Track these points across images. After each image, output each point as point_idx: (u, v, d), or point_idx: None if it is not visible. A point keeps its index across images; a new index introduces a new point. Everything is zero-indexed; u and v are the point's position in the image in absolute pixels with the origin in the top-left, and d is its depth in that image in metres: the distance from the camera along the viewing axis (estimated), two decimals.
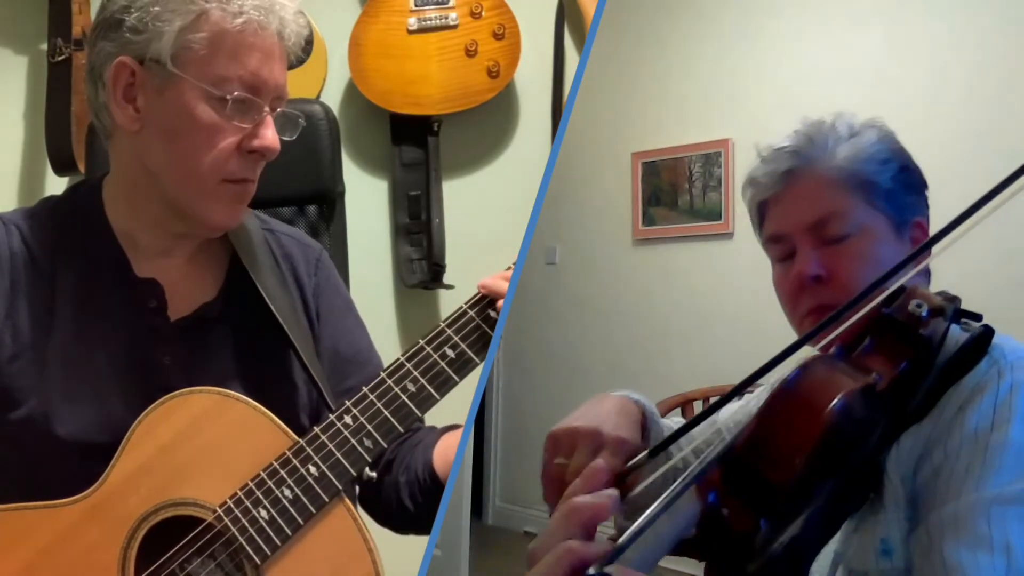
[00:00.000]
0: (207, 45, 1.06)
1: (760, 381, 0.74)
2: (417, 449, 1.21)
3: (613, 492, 0.66)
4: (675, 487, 0.65)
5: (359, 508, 1.18)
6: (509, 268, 1.11)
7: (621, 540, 0.60)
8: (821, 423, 0.65)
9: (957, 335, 0.85)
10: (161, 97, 1.09)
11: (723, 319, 2.75)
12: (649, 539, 0.60)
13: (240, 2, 1.06)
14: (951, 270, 0.98)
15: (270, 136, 1.11)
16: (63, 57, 2.27)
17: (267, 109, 1.11)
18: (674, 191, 2.98)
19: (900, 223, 0.96)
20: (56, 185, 2.40)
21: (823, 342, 0.79)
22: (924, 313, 0.80)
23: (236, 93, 1.07)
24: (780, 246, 0.98)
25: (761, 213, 1.01)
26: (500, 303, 1.10)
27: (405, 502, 1.20)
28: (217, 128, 1.08)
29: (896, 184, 0.95)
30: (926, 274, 0.96)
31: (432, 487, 1.19)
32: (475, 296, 1.12)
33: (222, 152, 1.09)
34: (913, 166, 0.99)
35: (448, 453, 1.18)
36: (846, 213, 0.93)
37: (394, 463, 1.23)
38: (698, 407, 2.18)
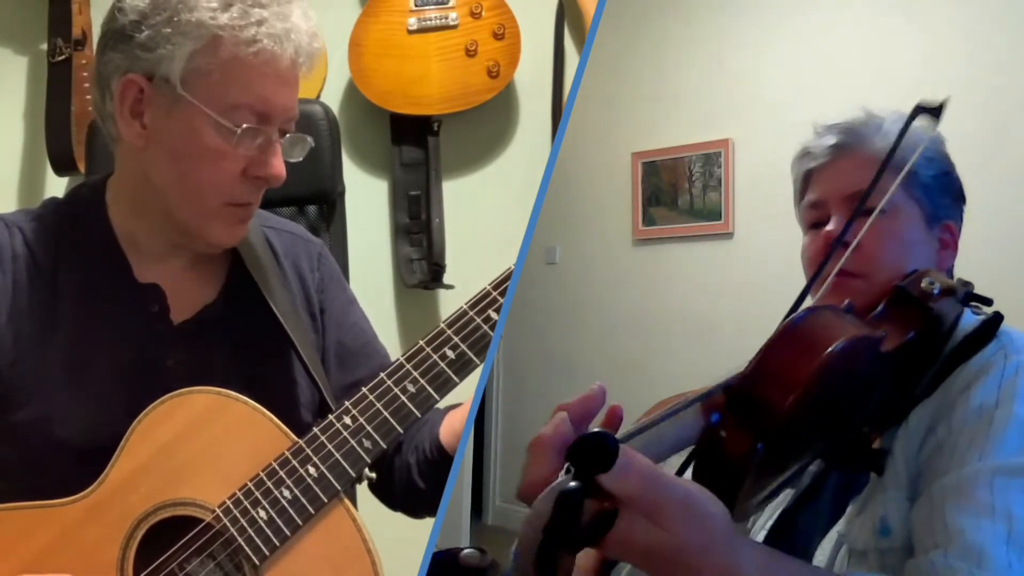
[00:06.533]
0: (218, 71, 1.05)
1: None
2: (424, 428, 1.22)
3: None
4: (681, 404, 0.66)
5: (357, 506, 1.18)
6: (509, 269, 1.11)
7: (624, 432, 0.62)
8: (822, 359, 0.68)
9: (967, 320, 0.88)
10: (169, 118, 1.08)
11: (723, 319, 2.75)
12: (650, 438, 0.63)
13: (255, 30, 1.05)
14: (967, 264, 1.00)
15: (276, 165, 1.10)
16: (63, 57, 2.27)
17: (275, 135, 1.10)
18: (674, 191, 2.98)
19: (932, 217, 0.99)
20: (56, 185, 2.40)
21: (820, 293, 0.83)
22: (935, 290, 0.84)
23: (245, 125, 1.06)
24: (816, 212, 1.02)
25: (805, 182, 1.05)
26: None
27: (416, 481, 1.21)
28: (223, 155, 1.07)
29: (935, 183, 0.99)
30: (948, 274, 0.99)
31: (441, 461, 1.19)
32: (475, 297, 1.12)
33: (227, 177, 1.09)
34: (955, 175, 1.02)
35: (455, 426, 1.19)
36: (884, 190, 0.94)
37: (403, 445, 1.24)
38: None
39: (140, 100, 1.08)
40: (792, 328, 0.70)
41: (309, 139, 1.16)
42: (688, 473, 0.68)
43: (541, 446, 0.66)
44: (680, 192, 2.97)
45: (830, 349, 0.68)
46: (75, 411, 1.08)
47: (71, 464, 1.07)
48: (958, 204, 1.02)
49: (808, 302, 0.87)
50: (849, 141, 1.00)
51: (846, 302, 0.84)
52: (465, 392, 1.15)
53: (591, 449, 0.56)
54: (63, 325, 1.11)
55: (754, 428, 0.65)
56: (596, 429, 0.58)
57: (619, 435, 0.61)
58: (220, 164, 1.08)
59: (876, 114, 1.02)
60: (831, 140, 1.01)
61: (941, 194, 0.99)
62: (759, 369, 0.68)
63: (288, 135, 1.12)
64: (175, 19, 1.04)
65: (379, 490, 1.27)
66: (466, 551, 0.95)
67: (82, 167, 2.22)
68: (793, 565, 0.72)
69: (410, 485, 1.22)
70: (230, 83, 1.06)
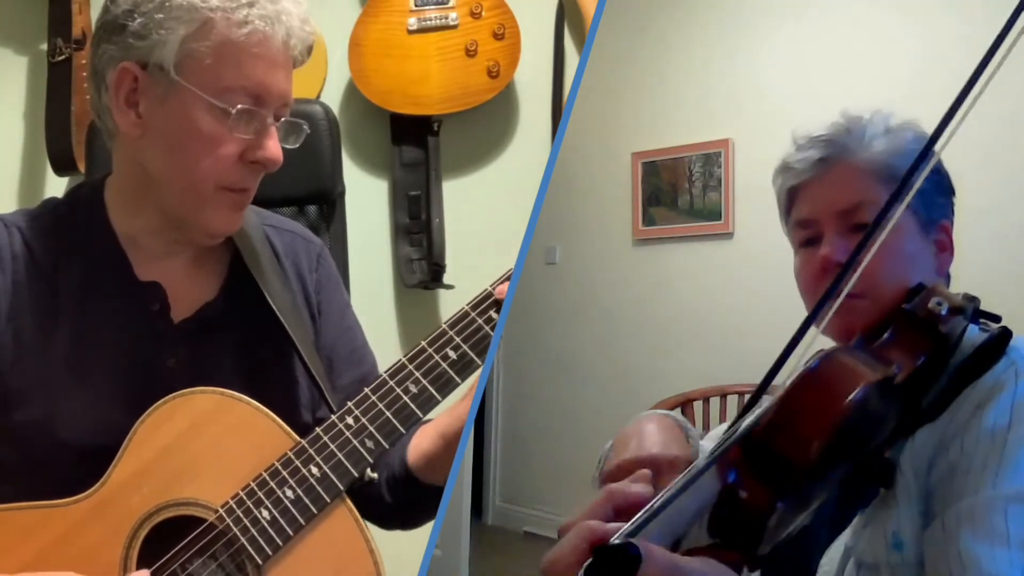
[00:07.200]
0: (211, 54, 1.06)
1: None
2: (397, 446, 1.22)
3: (647, 474, 0.68)
4: (697, 466, 0.65)
5: None
6: (510, 271, 1.12)
7: (642, 515, 0.61)
8: (841, 411, 0.67)
9: (975, 335, 0.86)
10: (164, 105, 1.08)
11: (723, 319, 2.75)
12: (671, 514, 0.62)
13: (246, 11, 1.06)
14: (969, 272, 0.99)
15: (272, 148, 1.10)
16: (63, 57, 2.27)
17: (271, 119, 1.10)
18: (674, 191, 2.98)
19: (927, 222, 0.96)
20: (56, 185, 2.41)
21: (824, 322, 0.80)
22: (943, 311, 0.82)
23: (240, 106, 1.07)
24: (806, 231, 0.99)
25: (791, 198, 1.02)
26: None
27: (384, 496, 1.21)
28: (219, 138, 1.08)
29: (927, 184, 0.94)
30: (946, 278, 0.98)
31: (406, 479, 1.20)
32: (477, 298, 1.13)
33: (223, 162, 1.09)
34: (943, 171, 0.99)
35: (421, 444, 1.20)
36: (876, 203, 0.92)
37: (378, 461, 1.24)
38: (698, 407, 2.18)
39: (135, 90, 1.09)
40: (807, 379, 0.69)
41: (305, 125, 1.16)
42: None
43: (584, 535, 0.64)
44: (680, 192, 2.97)
45: (849, 399, 0.67)
46: (76, 411, 1.08)
47: (73, 464, 1.07)
48: (949, 199, 1.00)
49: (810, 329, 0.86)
50: (833, 153, 0.97)
51: (857, 338, 0.82)
52: (461, 393, 1.15)
53: (614, 563, 0.56)
54: (64, 325, 1.11)
55: (774, 484, 0.65)
56: (616, 541, 0.57)
57: (639, 519, 0.61)
58: (216, 148, 1.08)
59: (857, 116, 0.99)
60: (815, 154, 0.98)
61: (934, 194, 0.97)
62: (777, 422, 0.67)
63: (284, 120, 1.12)
64: (167, 4, 1.05)
65: (353, 502, 1.27)
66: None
67: (82, 167, 2.22)
68: None
69: (379, 500, 1.22)
70: (223, 66, 1.06)
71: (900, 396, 0.77)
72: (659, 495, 0.63)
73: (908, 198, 0.83)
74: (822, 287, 0.92)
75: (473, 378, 1.12)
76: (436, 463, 1.20)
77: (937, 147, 0.82)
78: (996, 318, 0.87)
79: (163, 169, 1.11)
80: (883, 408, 0.74)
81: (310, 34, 1.13)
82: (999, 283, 0.95)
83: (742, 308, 2.61)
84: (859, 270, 0.80)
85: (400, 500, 1.21)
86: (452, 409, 1.17)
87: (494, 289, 1.12)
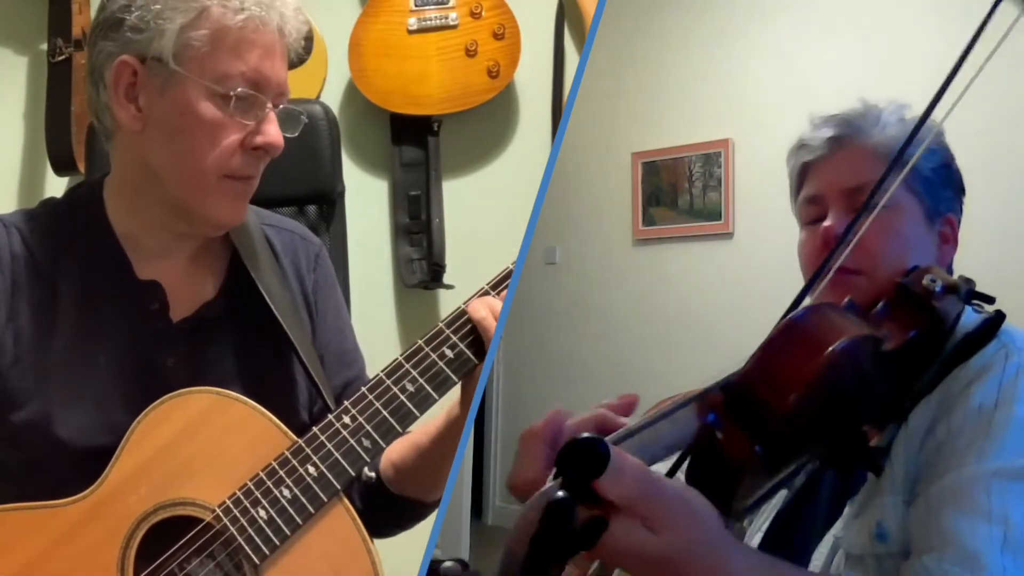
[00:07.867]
0: (208, 42, 1.06)
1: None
2: None
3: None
4: (678, 401, 0.65)
5: None
6: (508, 268, 1.12)
7: (619, 433, 0.61)
8: (822, 359, 0.66)
9: (968, 317, 0.87)
10: (163, 96, 1.08)
11: (723, 319, 2.75)
12: (646, 438, 0.62)
13: None
14: (968, 262, 0.99)
15: (273, 132, 1.11)
16: (63, 57, 2.27)
17: (270, 105, 1.11)
18: (674, 191, 2.98)
19: (932, 212, 0.97)
20: (56, 185, 2.41)
21: (817, 292, 0.81)
22: (937, 288, 0.83)
23: (239, 90, 1.07)
24: (813, 207, 1.00)
25: (802, 176, 1.03)
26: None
27: (356, 501, 1.21)
28: (221, 125, 1.08)
29: (935, 175, 0.97)
30: (948, 269, 0.98)
31: (377, 487, 1.20)
32: (474, 296, 1.12)
33: (226, 149, 1.09)
34: (955, 167, 1.01)
35: (391, 455, 1.20)
36: (885, 185, 0.93)
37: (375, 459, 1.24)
38: None
39: (134, 84, 1.09)
40: (792, 326, 0.69)
41: (303, 115, 1.17)
42: (681, 473, 0.67)
43: (532, 438, 0.65)
44: (680, 192, 2.97)
45: (831, 348, 0.67)
46: (75, 411, 1.08)
47: (71, 464, 1.07)
48: (958, 196, 1.01)
49: (806, 300, 0.86)
50: (847, 133, 0.99)
51: (847, 299, 0.83)
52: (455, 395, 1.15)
53: (581, 455, 0.55)
54: (63, 325, 1.11)
55: (752, 429, 0.64)
56: (587, 435, 0.57)
57: (613, 437, 0.60)
58: (218, 135, 1.08)
59: (873, 104, 1.00)
60: (828, 132, 0.99)
61: (942, 187, 0.98)
62: (758, 368, 0.67)
63: (281, 108, 1.13)
64: None
65: None
66: (446, 563, 0.95)
67: (82, 167, 2.22)
68: (785, 568, 0.72)
69: (352, 505, 1.22)
70: (220, 53, 1.07)
71: (888, 365, 0.77)
72: (636, 421, 0.63)
73: (905, 171, 0.84)
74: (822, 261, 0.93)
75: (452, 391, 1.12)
76: (406, 473, 1.20)
77: (933, 121, 0.82)
78: (990, 299, 0.88)
79: (166, 161, 1.11)
80: (868, 369, 0.74)
81: (304, 23, 1.14)
82: (1000, 283, 0.95)
83: (742, 308, 2.61)
84: (855, 240, 0.81)
85: (370, 508, 1.20)
86: (428, 423, 1.17)
87: (492, 287, 1.12)
